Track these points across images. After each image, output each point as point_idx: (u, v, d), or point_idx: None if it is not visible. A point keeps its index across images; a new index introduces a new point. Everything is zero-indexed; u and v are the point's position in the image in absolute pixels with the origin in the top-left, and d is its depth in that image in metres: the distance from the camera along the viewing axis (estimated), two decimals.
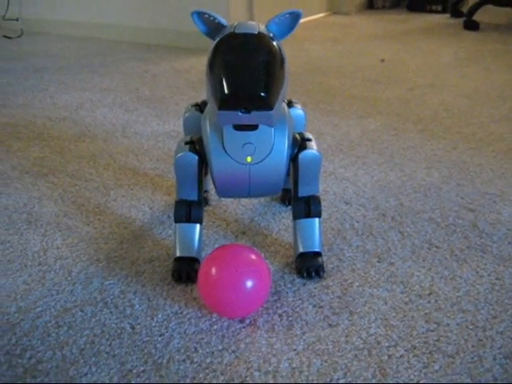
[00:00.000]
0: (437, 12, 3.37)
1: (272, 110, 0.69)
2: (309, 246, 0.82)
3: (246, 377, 0.64)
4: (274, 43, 0.71)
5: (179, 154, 0.79)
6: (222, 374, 0.64)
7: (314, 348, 0.68)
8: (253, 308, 0.73)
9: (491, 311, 0.74)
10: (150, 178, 1.15)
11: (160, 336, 0.70)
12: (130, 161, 1.23)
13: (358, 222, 0.97)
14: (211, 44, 0.73)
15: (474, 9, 2.82)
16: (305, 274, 0.81)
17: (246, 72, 0.68)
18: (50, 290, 0.79)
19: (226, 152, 0.76)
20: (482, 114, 1.52)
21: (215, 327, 0.71)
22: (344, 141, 1.34)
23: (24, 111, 1.58)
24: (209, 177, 0.95)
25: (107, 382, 0.63)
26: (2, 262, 0.86)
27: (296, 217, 0.82)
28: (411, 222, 0.96)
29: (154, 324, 0.72)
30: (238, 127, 0.74)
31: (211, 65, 0.71)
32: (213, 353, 0.67)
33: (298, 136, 0.81)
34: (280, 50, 0.72)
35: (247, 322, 0.72)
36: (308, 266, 0.81)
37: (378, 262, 0.85)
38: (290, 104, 0.92)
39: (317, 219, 0.82)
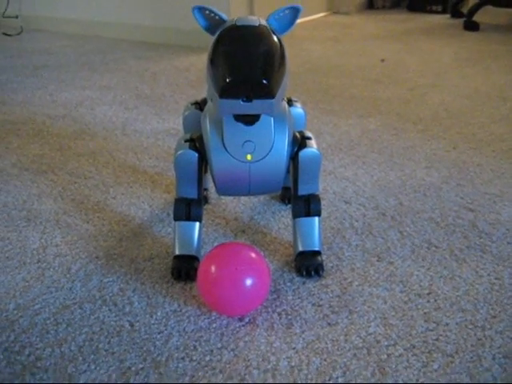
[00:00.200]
0: (437, 12, 3.38)
1: (274, 98, 0.69)
2: (308, 244, 0.82)
3: (244, 375, 0.63)
4: (275, 35, 0.72)
5: (179, 152, 0.79)
6: (221, 372, 0.64)
7: (313, 347, 0.68)
8: (252, 306, 0.73)
9: (490, 311, 0.74)
10: (149, 175, 1.15)
11: (159, 334, 0.70)
12: (130, 159, 1.23)
13: (357, 221, 0.97)
14: (212, 39, 0.73)
15: (474, 9, 2.82)
16: (304, 273, 0.80)
17: (248, 60, 0.68)
18: (48, 288, 0.79)
19: (226, 150, 0.76)
20: (482, 115, 1.52)
21: (214, 325, 0.71)
22: (344, 140, 1.34)
23: (24, 108, 1.58)
24: (208, 175, 0.95)
25: (106, 379, 0.63)
26: (0, 259, 0.86)
27: (296, 215, 0.82)
28: (411, 222, 0.96)
29: (153, 322, 0.72)
30: (239, 118, 0.74)
31: (213, 55, 0.71)
32: (212, 351, 0.67)
33: (298, 134, 0.81)
34: (280, 42, 0.72)
35: (246, 320, 0.72)
36: (307, 264, 0.81)
37: (378, 261, 0.85)
38: (289, 102, 0.92)
39: (316, 218, 0.82)
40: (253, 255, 0.73)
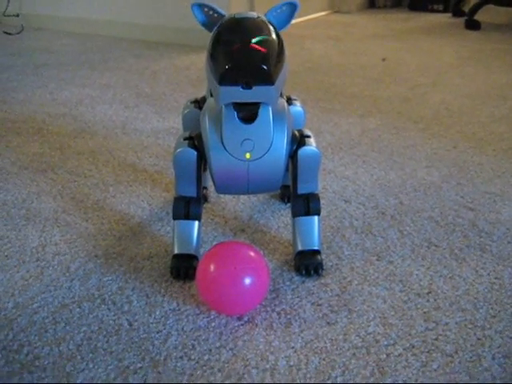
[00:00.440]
0: (438, 11, 3.37)
1: (273, 84, 0.69)
2: (308, 244, 0.82)
3: (243, 374, 0.63)
4: (273, 28, 0.72)
5: (178, 150, 0.79)
6: (220, 371, 0.64)
7: (311, 346, 0.67)
8: (251, 305, 0.72)
9: (490, 310, 0.74)
10: (149, 174, 1.15)
11: (158, 333, 0.70)
12: (130, 157, 1.23)
13: (357, 220, 0.97)
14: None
15: (475, 8, 2.81)
16: (304, 272, 0.80)
17: (247, 48, 0.68)
18: (47, 286, 0.79)
19: (224, 148, 0.76)
20: (483, 114, 1.52)
21: (213, 324, 0.71)
22: (344, 139, 1.34)
23: (24, 107, 1.58)
24: (208, 173, 0.95)
25: (104, 378, 0.63)
26: None
27: (295, 214, 0.82)
28: (411, 221, 0.96)
29: (151, 321, 0.72)
30: (238, 110, 0.74)
31: (212, 46, 0.71)
32: (210, 350, 0.67)
33: (297, 133, 0.81)
34: (278, 35, 0.72)
35: (245, 319, 0.72)
36: (307, 263, 0.80)
37: (377, 260, 0.85)
38: (288, 101, 0.92)
39: (316, 217, 0.82)
40: (252, 254, 0.73)
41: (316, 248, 0.82)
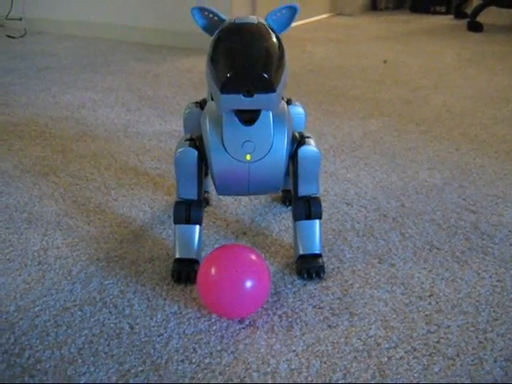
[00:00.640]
0: (440, 13, 3.37)
1: (275, 92, 0.69)
2: (309, 247, 0.82)
3: (244, 377, 0.63)
4: (273, 33, 0.72)
5: (179, 150, 0.80)
6: (221, 375, 0.64)
7: (313, 349, 0.67)
8: (252, 309, 0.72)
9: (492, 313, 0.73)
10: (151, 177, 1.15)
11: (159, 336, 0.70)
12: (132, 160, 1.23)
13: (358, 222, 0.97)
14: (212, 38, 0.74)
15: (477, 10, 2.81)
16: (305, 275, 0.80)
17: (248, 55, 0.69)
18: (49, 290, 0.79)
19: (225, 150, 0.76)
20: (485, 116, 1.52)
21: (214, 328, 0.71)
22: (346, 142, 1.34)
23: (26, 110, 1.58)
24: (209, 178, 0.95)
25: (105, 381, 0.63)
26: (1, 261, 0.86)
27: (296, 218, 0.82)
28: (412, 224, 0.96)
29: (153, 324, 0.72)
30: (239, 115, 0.74)
31: (213, 52, 0.71)
32: (211, 353, 0.67)
33: (297, 134, 0.81)
34: (279, 39, 0.72)
35: (246, 322, 0.72)
36: (308, 267, 0.80)
37: (379, 263, 0.85)
38: (288, 102, 0.92)
39: (317, 221, 0.82)
40: (253, 257, 0.73)
41: (317, 252, 0.82)
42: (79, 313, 0.74)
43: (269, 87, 0.69)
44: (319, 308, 0.75)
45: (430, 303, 0.76)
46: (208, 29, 0.75)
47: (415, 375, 0.63)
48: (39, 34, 2.78)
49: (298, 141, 0.80)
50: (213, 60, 0.71)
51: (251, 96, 0.69)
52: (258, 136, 0.75)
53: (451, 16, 3.26)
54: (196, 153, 0.79)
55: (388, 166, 1.19)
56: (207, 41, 0.77)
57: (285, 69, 0.72)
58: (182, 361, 0.66)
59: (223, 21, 0.74)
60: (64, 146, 1.31)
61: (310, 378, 0.63)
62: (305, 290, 0.79)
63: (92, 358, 0.66)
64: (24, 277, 0.82)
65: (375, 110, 1.56)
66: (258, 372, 0.64)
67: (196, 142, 0.80)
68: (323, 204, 0.84)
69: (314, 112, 1.53)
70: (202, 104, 0.92)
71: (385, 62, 2.15)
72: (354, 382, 0.63)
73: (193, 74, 1.99)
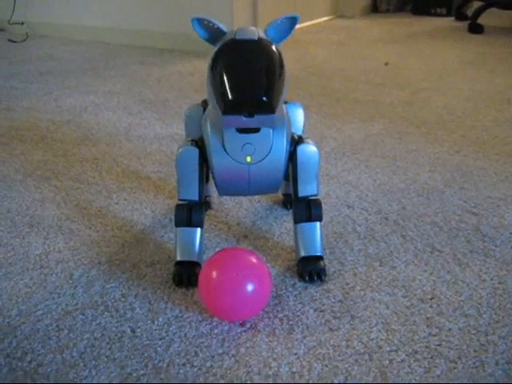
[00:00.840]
0: (441, 15, 3.37)
1: (274, 113, 0.71)
2: (310, 250, 0.82)
3: (246, 381, 0.63)
4: (274, 48, 0.73)
5: (181, 149, 0.80)
6: (222, 378, 0.64)
7: (314, 352, 0.67)
8: (253, 312, 0.72)
9: (494, 316, 0.73)
10: (152, 181, 1.15)
11: (160, 339, 0.70)
12: (133, 164, 1.23)
13: (360, 225, 0.97)
14: (212, 50, 0.75)
15: (478, 12, 2.81)
16: (306, 278, 0.80)
17: (248, 77, 0.70)
18: (51, 293, 0.79)
19: (226, 152, 0.77)
20: (486, 118, 1.52)
21: (216, 331, 0.71)
22: (347, 144, 1.34)
23: (28, 114, 1.59)
24: (211, 182, 0.95)
25: None
26: (3, 265, 0.86)
27: (297, 221, 0.82)
28: (414, 226, 0.96)
29: (154, 327, 0.72)
30: (241, 129, 0.76)
31: (213, 71, 0.72)
32: (213, 357, 0.67)
33: (296, 136, 0.82)
34: (279, 54, 0.73)
35: (248, 325, 0.72)
36: (310, 269, 0.80)
37: (380, 265, 0.85)
38: (286, 102, 0.92)
39: (318, 223, 0.82)
40: (254, 260, 0.73)
41: (319, 254, 0.82)
42: (81, 316, 0.74)
43: (269, 110, 0.70)
44: (320, 311, 0.75)
45: (431, 306, 0.76)
46: (210, 39, 0.77)
47: (417, 378, 0.63)
48: (41, 38, 2.79)
49: (297, 141, 0.81)
50: (214, 78, 0.72)
51: (252, 117, 0.71)
52: (257, 139, 0.76)
53: (452, 18, 3.26)
54: (197, 151, 0.80)
55: (389, 169, 1.19)
56: (208, 45, 0.78)
57: (284, 84, 0.73)
58: (184, 364, 0.66)
59: (223, 32, 0.75)
60: (66, 150, 1.32)
61: (311, 381, 0.63)
62: (306, 292, 0.79)
63: (94, 362, 0.66)
64: (26, 281, 0.82)
65: (376, 113, 1.56)
66: (259, 375, 0.64)
67: (198, 142, 0.81)
68: (324, 206, 0.84)
69: (315, 115, 1.53)
70: (204, 105, 0.93)
71: (386, 64, 2.15)
72: None
73: (194, 77, 2.00)
